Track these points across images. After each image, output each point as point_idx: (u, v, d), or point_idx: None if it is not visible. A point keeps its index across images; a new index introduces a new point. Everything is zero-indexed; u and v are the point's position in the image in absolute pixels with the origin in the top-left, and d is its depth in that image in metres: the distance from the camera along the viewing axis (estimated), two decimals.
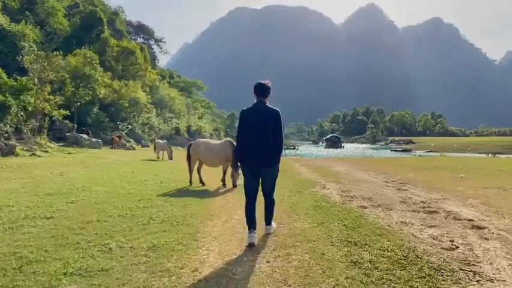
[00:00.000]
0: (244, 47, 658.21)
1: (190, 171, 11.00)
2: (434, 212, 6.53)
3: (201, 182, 10.99)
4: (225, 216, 6.73)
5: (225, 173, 10.71)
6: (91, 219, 6.13)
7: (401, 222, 5.84)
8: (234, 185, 10.32)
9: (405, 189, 9.00)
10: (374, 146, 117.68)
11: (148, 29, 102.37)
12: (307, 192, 8.83)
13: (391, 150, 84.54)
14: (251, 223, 5.12)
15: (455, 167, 14.57)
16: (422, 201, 7.46)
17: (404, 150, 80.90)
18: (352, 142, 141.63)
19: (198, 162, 11.07)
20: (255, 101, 5.36)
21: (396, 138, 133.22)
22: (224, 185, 10.53)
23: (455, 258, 4.13)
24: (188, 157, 11.05)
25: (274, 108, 5.28)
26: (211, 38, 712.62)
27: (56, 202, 7.63)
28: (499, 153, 53.47)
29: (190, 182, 10.93)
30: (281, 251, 4.53)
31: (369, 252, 4.33)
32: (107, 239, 5.02)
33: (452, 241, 4.75)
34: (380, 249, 4.41)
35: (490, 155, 47.19)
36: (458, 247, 4.50)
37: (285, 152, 49.64)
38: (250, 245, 4.84)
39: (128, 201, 8.03)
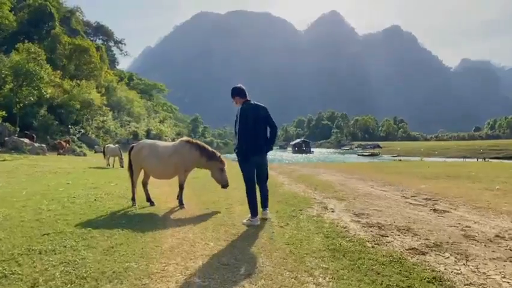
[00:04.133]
0: (208, 51, 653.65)
1: (133, 185, 7.81)
2: None
3: (149, 200, 7.80)
4: (178, 274, 3.74)
5: (182, 188, 7.59)
6: None
7: None
8: (181, 202, 7.47)
9: (444, 211, 6.27)
10: (339, 151, 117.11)
11: (107, 30, 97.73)
12: (306, 217, 5.93)
13: (358, 155, 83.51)
14: (255, 209, 5.77)
15: (467, 174, 12.14)
16: (497, 235, 4.72)
17: (372, 155, 79.89)
18: (317, 147, 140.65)
19: (143, 172, 7.88)
20: (238, 102, 5.98)
21: (363, 142, 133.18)
22: (181, 205, 7.45)
23: None
24: (130, 166, 7.90)
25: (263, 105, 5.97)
26: (174, 42, 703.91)
27: None
28: (497, 157, 52.38)
29: (133, 200, 7.75)
30: None
31: None
32: None
33: None
34: None
35: (480, 159, 45.56)
36: None
37: None
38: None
39: (24, 238, 5.08)
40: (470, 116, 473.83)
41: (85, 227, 5.72)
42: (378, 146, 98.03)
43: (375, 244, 4.43)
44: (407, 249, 4.21)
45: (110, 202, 8.18)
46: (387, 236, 4.74)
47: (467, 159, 43.61)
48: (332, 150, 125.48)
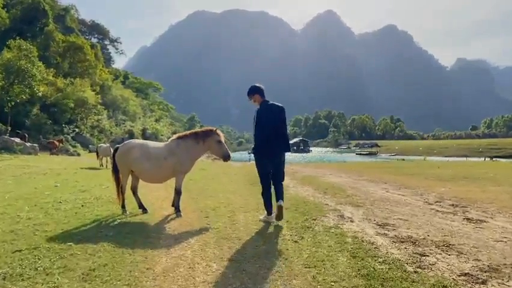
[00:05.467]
0: (204, 51, 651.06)
1: (121, 192, 6.87)
2: None
3: (141, 207, 6.90)
4: None
5: (179, 193, 6.71)
6: None
7: None
8: (177, 209, 6.66)
9: (480, 220, 5.44)
10: (337, 150, 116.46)
11: (102, 29, 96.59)
12: (322, 229, 5.09)
13: (356, 154, 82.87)
14: (269, 209, 5.79)
15: (484, 175, 11.34)
16: None
17: (370, 154, 79.24)
18: (315, 146, 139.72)
19: (131, 176, 6.96)
20: (257, 101, 5.96)
21: (361, 141, 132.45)
22: (178, 212, 6.60)
23: None
24: (115, 169, 6.99)
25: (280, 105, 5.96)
26: (170, 41, 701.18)
27: None
28: (497, 156, 51.42)
29: (123, 206, 6.86)
30: None
31: None
32: None
33: None
34: None
35: (487, 158, 44.52)
36: None
37: (249, 156, 46.21)
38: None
39: None
40: (465, 115, 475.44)
41: (65, 241, 4.89)
42: (377, 145, 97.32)
43: (417, 268, 3.60)
44: (459, 276, 3.40)
45: (99, 208, 7.35)
46: (428, 255, 3.92)
47: (469, 159, 42.89)
48: (329, 149, 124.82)
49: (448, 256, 3.91)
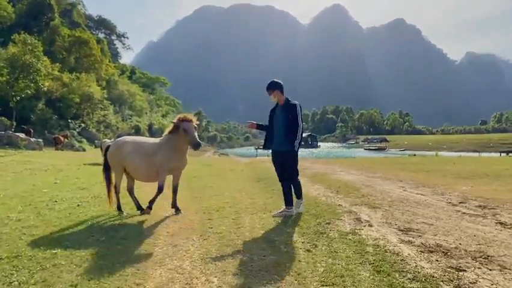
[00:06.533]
0: (211, 45, 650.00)
1: (116, 192, 6.44)
2: None
3: (139, 208, 6.39)
4: None
5: (175, 192, 6.30)
6: None
7: None
8: (177, 209, 6.30)
9: None
10: (345, 145, 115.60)
11: (109, 24, 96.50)
12: (338, 235, 4.52)
13: (365, 149, 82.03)
14: (288, 201, 5.79)
15: (506, 172, 10.61)
16: None
17: (378, 149, 78.29)
18: (322, 141, 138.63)
19: (125, 176, 6.49)
20: (277, 96, 5.90)
21: (369, 136, 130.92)
22: (177, 210, 6.24)
23: None
24: (107, 167, 6.54)
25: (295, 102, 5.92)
26: (177, 36, 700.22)
27: None
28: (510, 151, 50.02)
29: (119, 208, 6.41)
30: None
31: None
32: None
33: None
34: None
35: (503, 154, 43.29)
36: None
37: (257, 152, 45.66)
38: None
39: None
40: (474, 110, 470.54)
41: (51, 248, 4.40)
42: (385, 140, 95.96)
43: (455, 287, 3.04)
44: None
45: (95, 208, 6.88)
46: (465, 271, 3.33)
47: (481, 154, 41.93)
48: (337, 144, 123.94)
49: (490, 271, 3.32)
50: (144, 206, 6.32)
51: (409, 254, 3.78)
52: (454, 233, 4.50)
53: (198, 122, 6.12)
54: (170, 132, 6.11)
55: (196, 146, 5.81)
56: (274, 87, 5.86)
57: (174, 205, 6.32)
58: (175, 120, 6.04)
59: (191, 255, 4.06)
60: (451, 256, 3.71)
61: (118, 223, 5.73)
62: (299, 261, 3.74)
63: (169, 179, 6.36)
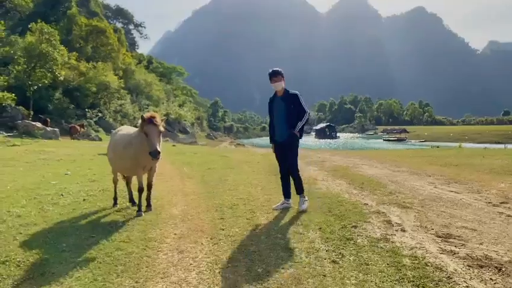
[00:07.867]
0: (227, 35, 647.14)
1: (127, 183, 6.47)
2: None
3: (131, 200, 6.34)
4: None
5: (149, 188, 5.90)
6: None
7: None
8: (148, 205, 5.93)
9: None
10: (363, 135, 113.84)
11: (127, 13, 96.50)
12: (367, 242, 3.93)
13: (384, 140, 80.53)
14: (286, 193, 5.80)
15: None
16: None
17: (398, 140, 76.67)
18: (340, 131, 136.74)
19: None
20: (278, 83, 5.71)
21: (388, 127, 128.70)
22: (148, 206, 5.90)
23: None
24: None
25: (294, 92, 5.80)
26: (194, 26, 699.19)
27: None
28: None
29: (131, 200, 6.36)
30: None
31: None
32: None
33: None
34: None
35: None
36: None
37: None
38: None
39: None
40: (496, 100, 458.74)
41: (44, 252, 3.97)
42: (405, 131, 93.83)
43: None
44: None
45: (101, 203, 6.48)
46: None
47: (508, 146, 40.33)
48: (355, 134, 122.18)
49: None
50: (150, 203, 5.98)
51: (455, 270, 3.17)
52: (503, 242, 3.86)
53: (164, 127, 5.37)
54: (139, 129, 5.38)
55: (151, 155, 4.95)
56: (280, 73, 5.68)
57: (147, 200, 5.92)
58: (143, 118, 5.23)
59: (198, 264, 3.55)
60: (506, 273, 3.09)
61: (123, 221, 5.27)
62: (324, 275, 3.17)
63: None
